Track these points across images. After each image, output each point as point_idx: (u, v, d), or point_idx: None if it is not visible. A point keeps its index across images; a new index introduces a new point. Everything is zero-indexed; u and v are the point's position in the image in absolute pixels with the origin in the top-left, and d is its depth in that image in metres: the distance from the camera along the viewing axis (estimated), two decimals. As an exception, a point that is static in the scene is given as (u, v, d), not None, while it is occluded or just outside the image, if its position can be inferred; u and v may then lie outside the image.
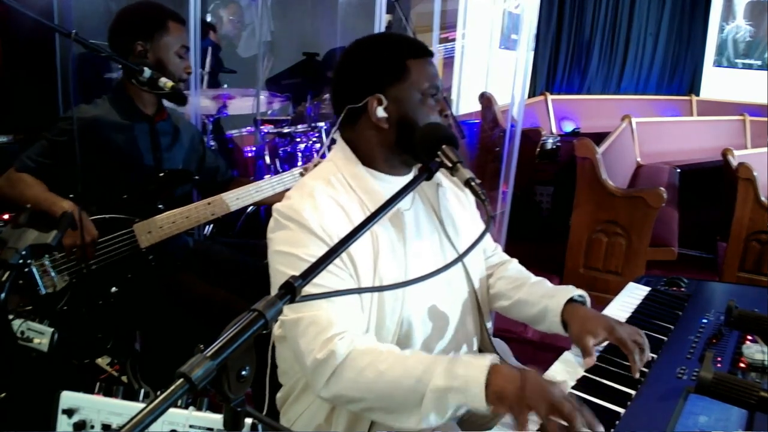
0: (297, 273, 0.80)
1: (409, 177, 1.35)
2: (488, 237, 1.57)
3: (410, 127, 1.25)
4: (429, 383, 1.05)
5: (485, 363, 1.04)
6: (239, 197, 2.01)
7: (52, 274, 1.85)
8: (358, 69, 1.30)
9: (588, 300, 1.38)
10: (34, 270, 1.83)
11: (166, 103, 2.10)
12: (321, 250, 1.14)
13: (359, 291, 1.21)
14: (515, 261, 1.56)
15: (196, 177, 2.14)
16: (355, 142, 1.32)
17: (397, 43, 1.30)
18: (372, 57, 1.29)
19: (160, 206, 1.99)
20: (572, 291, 1.36)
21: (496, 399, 1.01)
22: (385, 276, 1.23)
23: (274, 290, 1.23)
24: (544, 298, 1.37)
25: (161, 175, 2.02)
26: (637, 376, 1.19)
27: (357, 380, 1.11)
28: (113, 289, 1.93)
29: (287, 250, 1.20)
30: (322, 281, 1.15)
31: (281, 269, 1.20)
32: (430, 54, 1.32)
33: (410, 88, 1.26)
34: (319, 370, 1.13)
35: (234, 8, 5.34)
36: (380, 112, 1.26)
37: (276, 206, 1.25)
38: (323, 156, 1.42)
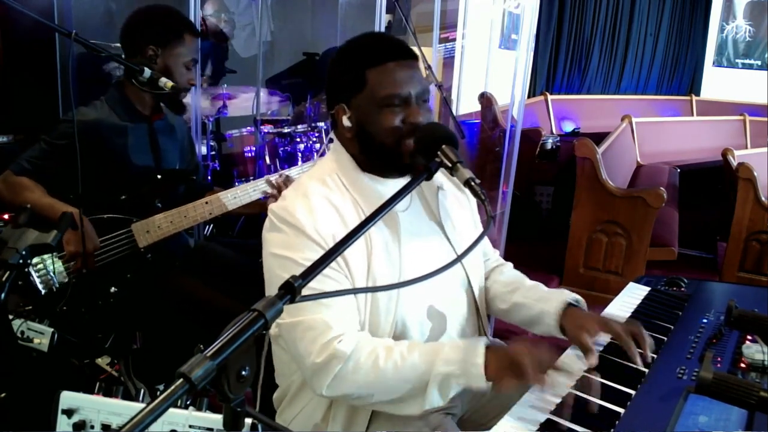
0: None
1: (406, 179, 1.33)
2: (487, 241, 1.57)
3: (369, 137, 1.26)
4: (432, 372, 1.12)
5: (481, 345, 1.14)
6: (236, 196, 2.01)
7: (51, 274, 1.85)
8: (330, 79, 1.32)
9: (584, 304, 1.38)
10: (32, 271, 1.83)
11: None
12: (315, 254, 1.15)
13: (356, 291, 1.21)
14: (510, 264, 1.56)
15: (194, 177, 2.14)
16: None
17: (359, 51, 1.28)
18: (338, 67, 1.30)
19: (158, 206, 1.99)
20: (567, 295, 1.36)
21: (495, 376, 1.10)
22: (378, 276, 1.23)
23: (268, 292, 1.24)
24: (539, 302, 1.38)
25: (159, 176, 2.02)
26: (640, 365, 1.20)
27: (361, 380, 1.14)
28: (112, 289, 1.93)
29: (282, 254, 1.20)
30: (319, 285, 1.16)
31: (277, 272, 1.20)
32: (396, 57, 1.25)
33: (368, 98, 1.25)
34: (319, 374, 1.15)
35: (218, 3, 5.21)
36: (346, 122, 1.28)
37: (271, 207, 1.26)
38: (322, 155, 1.43)
